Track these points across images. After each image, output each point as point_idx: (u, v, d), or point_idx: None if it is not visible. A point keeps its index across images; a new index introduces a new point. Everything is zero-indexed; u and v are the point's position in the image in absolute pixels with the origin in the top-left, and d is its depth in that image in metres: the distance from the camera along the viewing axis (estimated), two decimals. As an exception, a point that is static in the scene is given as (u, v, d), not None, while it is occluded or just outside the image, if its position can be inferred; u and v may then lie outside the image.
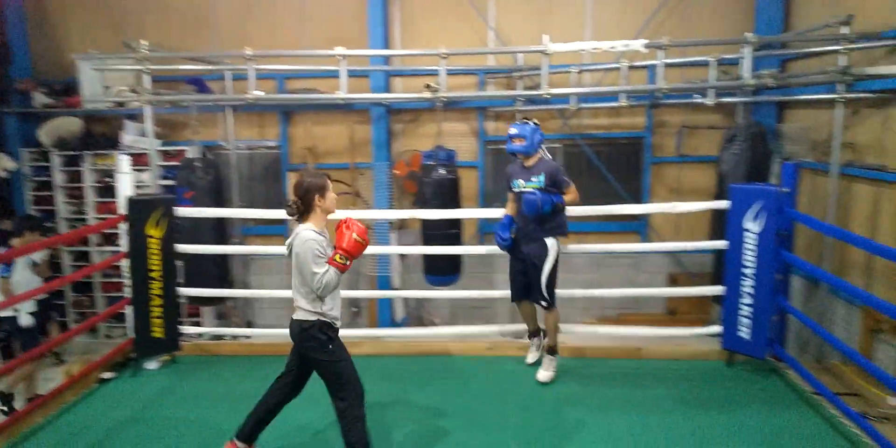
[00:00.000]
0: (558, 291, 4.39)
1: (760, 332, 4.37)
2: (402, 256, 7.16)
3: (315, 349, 3.20)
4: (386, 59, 7.04)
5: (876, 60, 4.90)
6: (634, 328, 5.53)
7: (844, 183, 5.22)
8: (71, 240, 7.37)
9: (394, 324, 7.09)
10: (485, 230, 7.36)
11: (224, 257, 6.23)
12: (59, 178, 7.50)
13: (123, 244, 4.79)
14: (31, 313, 5.50)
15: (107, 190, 7.38)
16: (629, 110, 6.82)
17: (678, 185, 7.17)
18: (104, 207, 7.42)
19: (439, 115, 6.45)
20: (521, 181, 4.28)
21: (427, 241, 5.90)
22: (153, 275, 4.80)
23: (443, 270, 5.95)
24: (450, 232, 5.78)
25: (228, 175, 7.18)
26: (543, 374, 4.41)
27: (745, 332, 4.42)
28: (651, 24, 6.88)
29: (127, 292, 4.80)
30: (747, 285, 4.38)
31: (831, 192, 5.04)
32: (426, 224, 5.94)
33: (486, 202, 7.35)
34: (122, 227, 4.76)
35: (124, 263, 4.78)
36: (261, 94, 5.87)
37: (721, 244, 4.58)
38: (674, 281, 7.02)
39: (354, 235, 3.11)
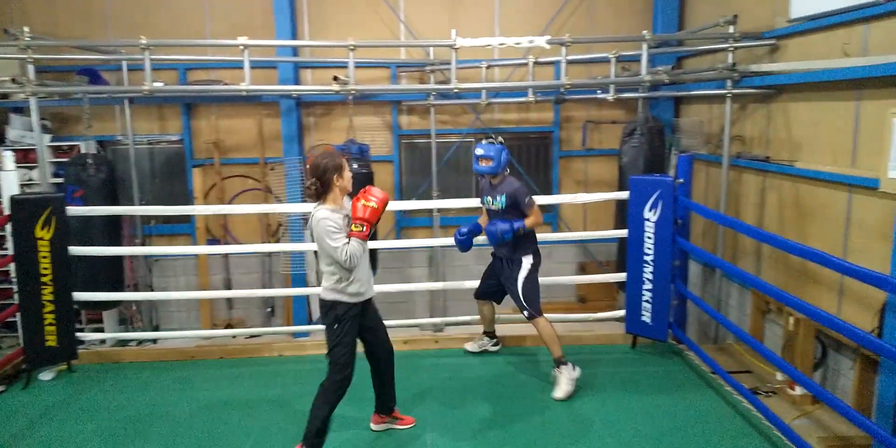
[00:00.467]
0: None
1: (661, 316, 4.62)
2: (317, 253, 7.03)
3: (328, 326, 3.39)
4: (295, 51, 6.86)
5: (759, 58, 5.25)
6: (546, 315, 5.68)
7: (735, 173, 5.58)
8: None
9: (310, 322, 6.96)
10: (401, 224, 7.35)
11: (119, 259, 5.90)
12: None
13: (10, 247, 4.45)
14: None
15: (-10, 189, 6.80)
16: (538, 106, 6.99)
17: (585, 178, 7.43)
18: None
19: (352, 109, 6.37)
20: (489, 198, 4.40)
21: (341, 237, 5.80)
22: (44, 279, 4.51)
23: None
24: (363, 227, 5.71)
25: (127, 171, 6.79)
26: (558, 392, 4.15)
27: (647, 317, 4.65)
28: (557, 21, 7.06)
29: (16, 298, 4.47)
30: (647, 272, 4.61)
31: (723, 182, 5.38)
32: (339, 219, 5.85)
33: (401, 196, 7.34)
34: (8, 229, 4.42)
35: (12, 268, 4.44)
36: (158, 85, 5.59)
37: (622, 233, 4.79)
38: (583, 269, 7.29)
39: (362, 202, 3.21)
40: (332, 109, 7.14)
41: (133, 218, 6.86)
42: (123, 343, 5.64)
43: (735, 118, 5.59)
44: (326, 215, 3.20)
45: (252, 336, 5.92)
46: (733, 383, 4.06)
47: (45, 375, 4.62)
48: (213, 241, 7.17)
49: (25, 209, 4.42)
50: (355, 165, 5.73)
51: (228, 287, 7.19)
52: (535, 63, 6.33)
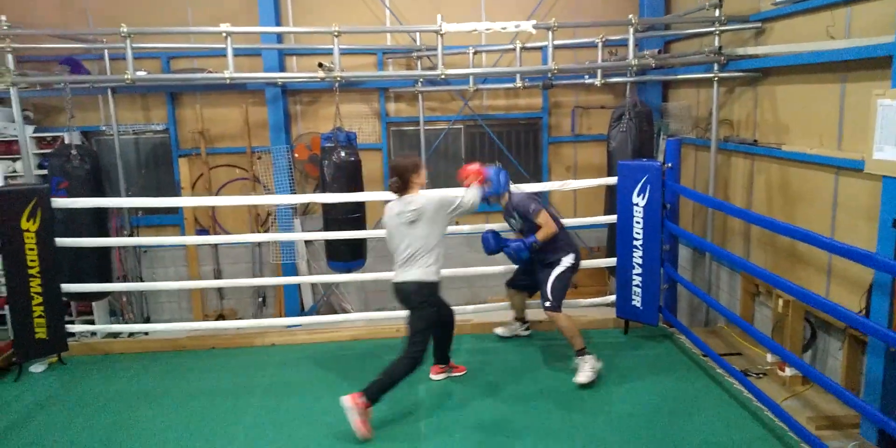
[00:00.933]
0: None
1: (651, 300, 4.65)
2: (308, 243, 7.01)
3: (422, 308, 3.72)
4: (279, 38, 6.78)
5: (746, 41, 5.25)
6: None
7: (723, 157, 5.60)
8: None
9: (302, 312, 6.96)
10: (390, 212, 7.32)
11: (107, 250, 5.85)
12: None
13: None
14: None
15: (-27, 182, 6.71)
16: (527, 91, 6.96)
17: (574, 163, 7.44)
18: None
19: (339, 96, 6.31)
20: (511, 220, 4.43)
21: (329, 226, 5.79)
22: (32, 271, 4.46)
23: (345, 256, 5.86)
24: (352, 216, 5.69)
25: (112, 162, 6.72)
26: (581, 377, 4.11)
27: (637, 301, 4.68)
28: (544, 7, 7.01)
29: (3, 291, 4.42)
30: (637, 256, 4.63)
31: (711, 165, 5.39)
32: (327, 209, 5.82)
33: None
34: (-8, 222, 4.37)
35: (-3, 261, 4.39)
36: (141, 74, 5.50)
37: (612, 218, 4.80)
38: (575, 255, 7.32)
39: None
40: (319, 97, 7.08)
41: (121, 209, 6.79)
42: (115, 335, 5.60)
43: (723, 102, 5.59)
44: (433, 195, 3.84)
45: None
46: (724, 365, 4.10)
47: (37, 368, 4.59)
48: (201, 231, 7.12)
49: (10, 201, 4.35)
50: (342, 153, 5.70)
51: (219, 277, 7.16)
52: (523, 48, 6.30)
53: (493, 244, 4.31)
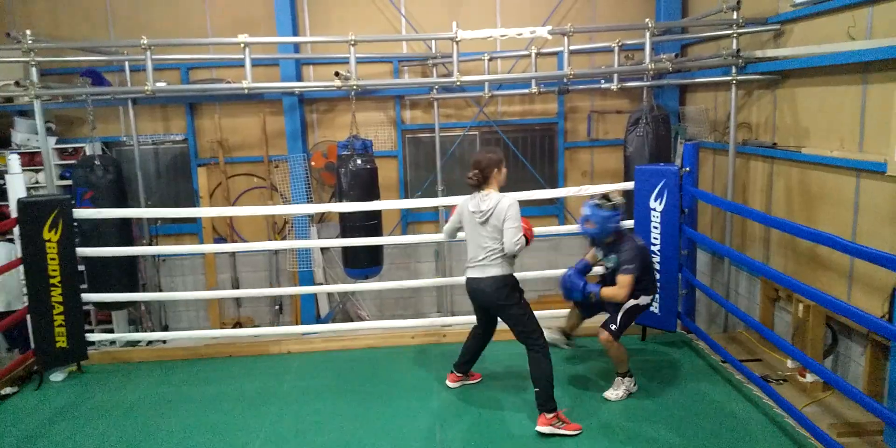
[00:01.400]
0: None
1: (670, 306, 4.59)
2: (324, 250, 7.05)
3: (510, 302, 3.70)
4: (297, 47, 6.85)
5: (764, 44, 5.19)
6: (555, 310, 5.67)
7: (742, 160, 5.53)
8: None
9: (318, 320, 6.99)
10: (408, 220, 7.34)
11: (131, 259, 5.93)
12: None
13: (18, 249, 4.48)
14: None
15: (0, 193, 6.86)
16: (542, 97, 6.94)
17: (591, 168, 7.39)
18: (-5, 211, 6.89)
19: (355, 105, 6.35)
20: (601, 251, 4.12)
21: (345, 234, 5.81)
22: (53, 281, 4.52)
23: (362, 262, 5.88)
24: (368, 223, 5.71)
25: (132, 172, 6.83)
26: (611, 393, 4.03)
27: (655, 307, 4.62)
28: (559, 12, 7.01)
29: (26, 301, 4.50)
30: (655, 262, 4.57)
31: (729, 169, 5.32)
32: (343, 216, 5.85)
33: (406, 191, 7.33)
34: (16, 232, 4.45)
35: (21, 270, 4.47)
36: (161, 85, 5.59)
37: (629, 223, 4.75)
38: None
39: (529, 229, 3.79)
40: (336, 106, 7.13)
41: (140, 218, 6.89)
42: (133, 344, 5.66)
43: (741, 105, 5.53)
44: (514, 202, 3.66)
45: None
46: (745, 371, 4.03)
47: (57, 376, 4.65)
48: (219, 239, 7.20)
49: (33, 212, 4.43)
50: (359, 161, 5.73)
51: (236, 285, 7.22)
52: (538, 54, 6.29)
53: (575, 280, 3.99)
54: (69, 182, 6.32)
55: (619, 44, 5.82)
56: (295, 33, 6.79)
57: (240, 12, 6.93)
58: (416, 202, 5.94)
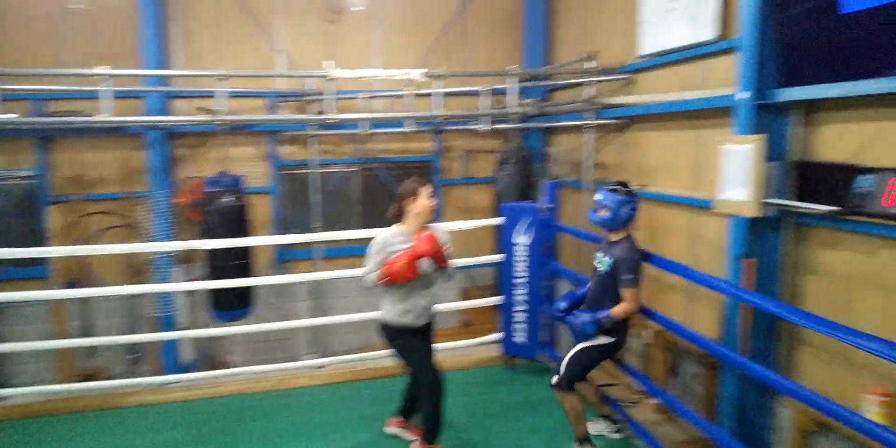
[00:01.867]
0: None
1: (533, 335, 4.75)
2: (190, 293, 6.66)
3: (389, 343, 3.65)
4: (164, 80, 6.59)
5: (616, 91, 5.66)
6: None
7: (599, 198, 5.92)
8: None
9: (180, 368, 6.53)
10: (282, 258, 7.14)
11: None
12: None
13: None
14: None
15: None
16: (420, 136, 7.12)
17: (468, 205, 7.61)
18: None
19: (227, 140, 6.17)
20: (599, 254, 3.73)
21: (213, 275, 5.54)
22: None
23: (230, 305, 5.61)
24: (237, 263, 5.49)
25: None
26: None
27: (520, 337, 4.77)
28: (436, 55, 7.28)
29: None
30: (520, 294, 4.74)
31: (585, 206, 5.68)
32: (211, 255, 5.58)
33: (282, 229, 7.15)
34: None
35: None
36: (11, 116, 5.16)
37: (497, 258, 4.93)
38: (467, 295, 7.39)
39: (399, 261, 3.33)
40: (206, 140, 6.88)
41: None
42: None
43: (597, 147, 5.96)
44: (381, 237, 3.48)
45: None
46: (602, 395, 4.22)
47: None
48: (71, 283, 6.60)
49: None
50: (228, 198, 5.54)
51: (88, 333, 6.61)
52: (414, 95, 6.47)
53: (565, 315, 3.71)
54: None
55: (489, 88, 6.12)
56: (162, 66, 6.54)
57: (103, 44, 6.58)
58: (290, 238, 5.79)
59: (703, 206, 4.21)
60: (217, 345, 6.91)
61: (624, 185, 3.53)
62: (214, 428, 4.16)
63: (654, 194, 4.88)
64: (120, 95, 5.68)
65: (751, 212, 3.34)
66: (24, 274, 6.54)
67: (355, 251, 7.26)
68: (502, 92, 6.56)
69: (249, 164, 6.96)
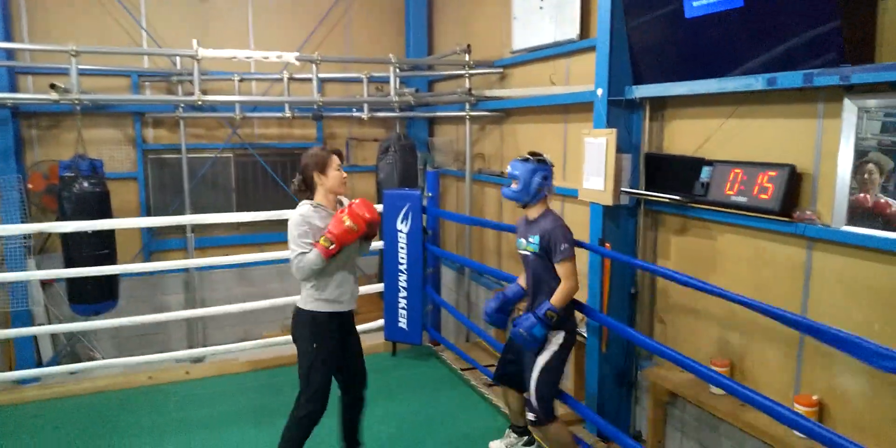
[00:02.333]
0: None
1: (416, 320, 4.88)
2: (45, 285, 6.12)
3: (301, 343, 3.00)
4: (10, 54, 5.96)
5: (493, 84, 5.88)
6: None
7: (478, 186, 6.15)
8: None
9: (39, 365, 6.02)
10: (150, 248, 6.75)
11: None
12: None
13: None
14: None
15: None
16: (301, 122, 6.98)
17: (352, 193, 7.57)
18: None
19: (84, 120, 5.70)
20: (522, 240, 3.18)
21: (71, 265, 5.12)
22: None
23: (92, 298, 5.23)
24: (99, 253, 5.12)
25: None
26: (496, 444, 3.50)
27: (403, 323, 4.88)
28: (316, 40, 7.14)
29: None
30: (402, 280, 4.84)
31: (466, 194, 5.89)
32: (68, 245, 5.16)
33: (149, 216, 6.74)
34: None
35: None
36: None
37: (379, 245, 4.98)
38: (352, 284, 7.40)
39: (345, 219, 2.85)
40: (61, 121, 6.33)
41: None
42: None
43: (476, 137, 6.16)
44: (302, 212, 2.91)
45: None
46: (487, 373, 4.42)
47: None
48: None
49: None
50: (85, 184, 5.15)
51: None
52: (292, 79, 6.32)
53: (496, 318, 3.31)
54: None
55: (368, 75, 6.12)
56: (7, 39, 5.91)
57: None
58: (156, 221, 5.44)
59: (572, 196, 4.52)
60: (81, 341, 6.41)
61: (535, 154, 3.14)
62: (71, 431, 3.87)
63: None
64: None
65: (607, 200, 3.64)
66: None
67: (229, 241, 7.03)
68: (382, 80, 6.58)
69: (111, 148, 6.49)
